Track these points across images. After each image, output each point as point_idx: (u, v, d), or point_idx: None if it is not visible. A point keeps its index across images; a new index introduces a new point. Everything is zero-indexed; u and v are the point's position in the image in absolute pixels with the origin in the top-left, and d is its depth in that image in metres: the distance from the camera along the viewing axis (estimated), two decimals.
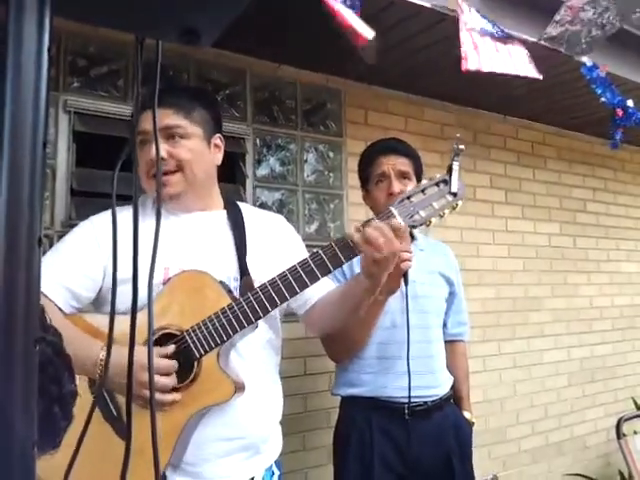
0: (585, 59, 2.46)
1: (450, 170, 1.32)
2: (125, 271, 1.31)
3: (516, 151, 3.37)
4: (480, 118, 3.20)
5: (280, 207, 2.45)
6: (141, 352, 1.19)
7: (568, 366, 3.49)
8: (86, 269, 1.31)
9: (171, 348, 1.25)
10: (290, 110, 2.51)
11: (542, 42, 2.27)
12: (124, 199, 1.50)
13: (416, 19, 2.07)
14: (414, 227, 1.35)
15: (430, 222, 1.32)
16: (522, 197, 3.37)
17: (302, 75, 2.54)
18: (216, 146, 1.49)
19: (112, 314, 0.67)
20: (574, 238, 3.62)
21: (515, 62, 2.14)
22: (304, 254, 1.52)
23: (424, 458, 1.80)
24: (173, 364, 1.23)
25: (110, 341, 0.66)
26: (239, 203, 1.56)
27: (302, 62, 2.49)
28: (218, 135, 1.50)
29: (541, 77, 2.17)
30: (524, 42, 2.27)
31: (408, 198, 1.30)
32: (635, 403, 3.58)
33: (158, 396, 1.20)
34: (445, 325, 2.01)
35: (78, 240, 1.36)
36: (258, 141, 2.42)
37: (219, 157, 1.51)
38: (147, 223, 1.38)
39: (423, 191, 1.31)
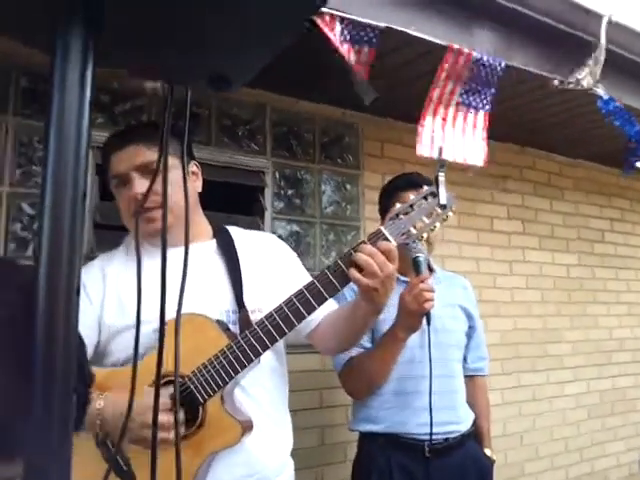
0: (601, 92, 2.48)
1: (437, 182, 1.29)
2: (126, 318, 1.31)
3: (533, 182, 3.38)
4: (496, 149, 3.21)
5: (298, 239, 2.48)
6: (148, 397, 1.15)
7: (588, 398, 3.43)
8: (81, 324, 1.29)
9: (169, 391, 1.18)
10: (308, 144, 2.56)
11: (557, 79, 2.30)
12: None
13: (429, 56, 2.11)
14: (406, 244, 1.33)
15: (422, 237, 1.30)
16: (539, 228, 3.37)
17: (320, 109, 2.59)
18: (194, 173, 1.46)
19: (135, 358, 0.67)
20: (592, 269, 3.60)
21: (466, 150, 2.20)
22: (301, 272, 1.51)
23: None
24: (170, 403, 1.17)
25: (133, 387, 0.65)
26: (228, 227, 1.50)
27: (319, 97, 2.54)
28: (194, 162, 1.47)
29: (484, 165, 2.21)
30: (539, 77, 2.30)
31: (397, 215, 1.29)
32: None
33: (164, 434, 1.13)
34: (465, 360, 1.99)
35: None
36: (277, 174, 2.46)
37: (199, 185, 1.47)
38: (146, 264, 1.37)
39: (412, 206, 1.29)
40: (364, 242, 1.26)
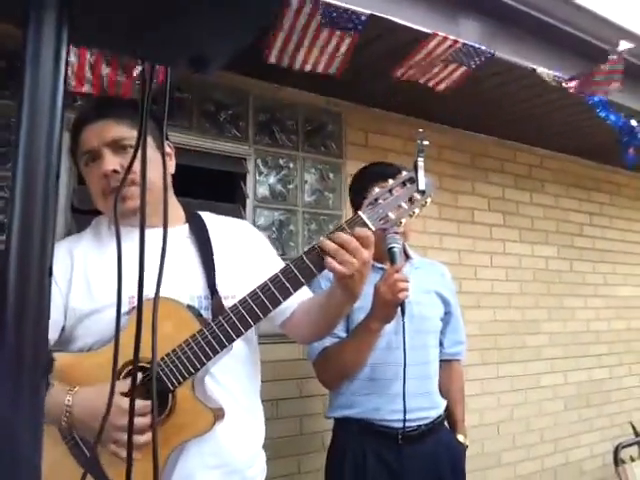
0: None
1: (416, 167, 1.25)
2: (94, 302, 1.27)
3: (514, 174, 3.40)
4: (478, 141, 3.22)
5: (280, 227, 2.46)
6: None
7: (564, 390, 3.48)
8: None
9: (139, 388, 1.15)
10: (291, 131, 2.54)
11: (538, 70, 2.30)
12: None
13: (415, 45, 2.10)
14: (385, 230, 1.31)
15: (401, 223, 1.27)
16: (520, 220, 3.39)
17: (303, 97, 2.56)
18: (167, 154, 1.38)
19: (115, 354, 0.64)
20: (571, 262, 3.64)
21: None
22: (274, 259, 1.47)
23: None
24: (148, 404, 1.11)
25: (114, 379, 0.63)
26: (201, 213, 1.45)
27: (303, 84, 2.51)
28: (167, 142, 1.41)
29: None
30: (524, 69, 2.31)
31: (376, 200, 1.26)
32: (634, 428, 3.56)
33: (134, 438, 1.10)
34: (442, 344, 2.00)
35: None
36: (259, 161, 2.44)
37: (172, 165, 1.42)
38: (107, 248, 1.33)
39: (390, 191, 1.26)
40: (342, 227, 1.22)
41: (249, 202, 2.38)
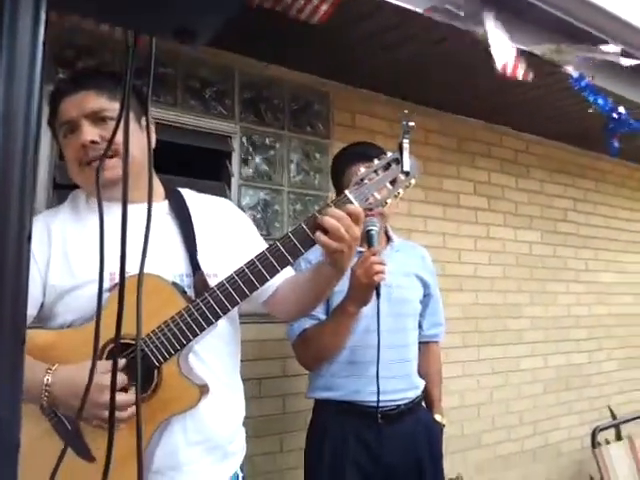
0: (571, 70, 2.49)
1: (401, 148, 1.27)
2: (74, 278, 1.25)
3: (499, 159, 3.40)
4: (465, 125, 3.22)
5: (265, 207, 2.44)
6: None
7: (544, 373, 3.53)
8: None
9: (122, 362, 1.16)
10: (278, 109, 2.51)
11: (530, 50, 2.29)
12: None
13: (404, 25, 2.08)
14: (370, 209, 1.31)
15: (386, 203, 1.29)
16: (504, 205, 3.40)
17: (290, 75, 2.53)
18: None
19: (97, 329, 0.63)
20: (554, 247, 3.66)
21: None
22: (256, 239, 1.47)
23: (397, 462, 1.81)
24: (125, 379, 1.15)
25: (95, 356, 0.61)
26: (181, 190, 1.43)
27: (290, 62, 2.48)
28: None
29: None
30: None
31: (362, 180, 1.27)
32: (611, 412, 3.62)
33: (117, 414, 1.11)
34: (420, 326, 2.01)
35: None
36: (245, 140, 2.41)
37: (153, 140, 1.37)
38: (86, 222, 1.30)
39: (376, 172, 1.28)
40: (329, 205, 1.23)
41: (234, 181, 2.36)
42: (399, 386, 1.84)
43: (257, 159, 2.45)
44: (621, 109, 2.63)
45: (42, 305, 1.24)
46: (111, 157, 1.24)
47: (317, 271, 1.35)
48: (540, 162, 3.62)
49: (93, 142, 1.22)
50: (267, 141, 2.48)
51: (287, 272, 1.37)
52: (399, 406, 1.84)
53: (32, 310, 1.20)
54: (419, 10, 1.96)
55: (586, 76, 2.42)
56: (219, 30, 0.67)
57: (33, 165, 0.51)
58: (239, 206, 2.29)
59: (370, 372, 1.77)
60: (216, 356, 1.33)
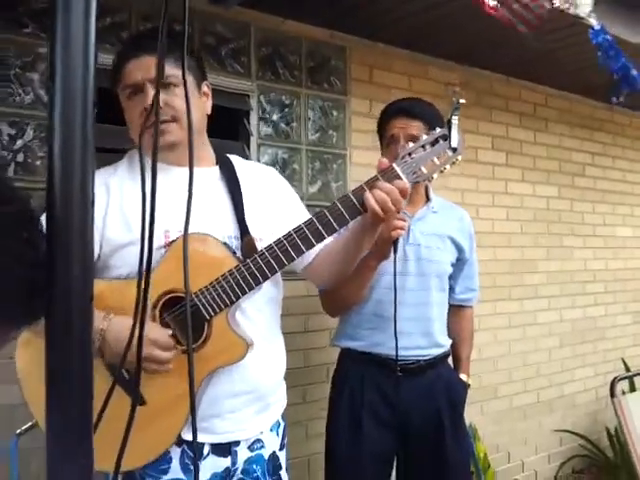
0: (593, 21, 2.43)
1: (450, 125, 1.31)
2: (130, 233, 1.30)
3: (518, 113, 3.36)
4: (484, 79, 3.17)
5: (283, 166, 2.44)
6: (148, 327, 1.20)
7: (560, 327, 3.56)
8: None
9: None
10: (294, 66, 2.48)
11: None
12: (116, 152, 1.45)
13: None
14: (417, 182, 1.36)
15: (432, 178, 1.33)
16: (523, 160, 3.37)
17: (307, 30, 2.50)
18: (205, 94, 1.42)
19: (144, 284, 0.64)
20: (572, 202, 3.65)
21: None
22: (300, 207, 1.54)
23: (413, 413, 1.87)
24: (172, 342, 1.23)
25: (137, 313, 0.63)
26: (230, 156, 1.49)
27: (307, 17, 2.44)
28: (205, 82, 1.43)
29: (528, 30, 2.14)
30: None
31: (409, 154, 1.30)
32: (625, 364, 3.67)
33: (157, 367, 1.21)
34: (453, 290, 2.03)
35: None
36: (262, 98, 2.39)
37: (209, 105, 1.44)
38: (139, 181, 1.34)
39: (424, 147, 1.31)
40: (377, 178, 1.28)
41: (253, 140, 2.36)
42: (419, 343, 1.87)
43: (275, 117, 2.44)
44: (634, 72, 2.57)
45: (98, 257, 1.29)
46: (171, 122, 1.29)
47: (351, 237, 1.41)
48: (559, 116, 3.57)
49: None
50: (284, 99, 2.46)
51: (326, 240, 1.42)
52: (419, 361, 1.88)
53: None
54: None
55: (606, 30, 2.36)
56: None
57: (92, 132, 0.53)
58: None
59: (392, 327, 1.81)
60: (261, 313, 1.40)
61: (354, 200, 1.28)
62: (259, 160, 2.35)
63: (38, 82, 1.89)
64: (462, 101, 1.30)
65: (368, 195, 1.25)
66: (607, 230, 3.87)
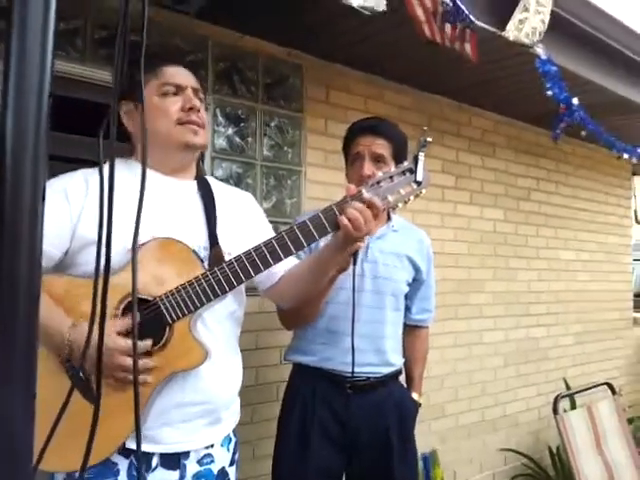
0: (540, 51, 2.54)
1: (416, 160, 1.40)
2: (95, 231, 1.29)
3: (467, 138, 3.46)
4: (435, 103, 3.26)
5: (238, 181, 2.43)
6: (110, 332, 1.19)
7: (505, 346, 3.65)
8: (55, 226, 1.26)
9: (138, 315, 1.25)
10: (251, 82, 2.49)
11: (500, 33, 2.33)
12: (91, 164, 1.46)
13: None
14: (384, 209, 1.42)
15: (397, 206, 1.40)
16: (471, 183, 3.47)
17: (265, 47, 2.51)
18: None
19: (95, 291, 0.64)
20: (517, 225, 3.77)
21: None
22: (270, 231, 1.59)
23: (363, 431, 1.86)
24: (149, 344, 1.25)
25: (93, 319, 0.62)
26: (207, 177, 1.56)
27: (266, 34, 2.46)
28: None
29: (474, 59, 2.23)
30: (483, 31, 2.32)
31: (378, 183, 1.38)
32: (566, 384, 3.79)
33: (126, 373, 1.21)
34: (409, 310, 2.04)
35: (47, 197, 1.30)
36: (218, 111, 2.38)
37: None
38: (123, 184, 1.35)
39: (391, 178, 1.39)
40: (346, 200, 1.34)
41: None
42: (371, 360, 1.87)
43: (230, 131, 2.43)
44: (575, 100, 2.71)
45: (66, 252, 1.30)
46: (201, 128, 1.41)
47: (320, 258, 1.46)
48: (507, 142, 3.70)
49: (197, 110, 1.41)
50: (240, 113, 2.46)
51: (291, 260, 1.47)
52: (369, 378, 1.88)
53: (58, 252, 1.29)
54: None
55: (552, 61, 2.47)
56: None
57: (46, 123, 0.51)
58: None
59: (345, 343, 1.82)
60: (221, 325, 1.40)
61: (323, 219, 1.33)
62: (213, 173, 2.33)
63: None
64: (429, 139, 1.39)
65: (345, 212, 1.31)
66: (550, 253, 4.01)
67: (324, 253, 1.44)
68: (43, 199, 0.51)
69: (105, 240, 0.59)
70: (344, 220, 1.31)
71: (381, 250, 1.90)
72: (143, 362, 1.23)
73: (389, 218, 1.99)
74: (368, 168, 1.80)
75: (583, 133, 2.87)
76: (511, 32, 2.31)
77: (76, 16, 2.00)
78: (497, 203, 3.64)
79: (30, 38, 0.51)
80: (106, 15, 2.04)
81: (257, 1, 2.11)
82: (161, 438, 1.30)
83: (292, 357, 1.97)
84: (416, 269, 2.00)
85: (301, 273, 1.50)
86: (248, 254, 1.31)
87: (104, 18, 2.05)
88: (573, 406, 3.32)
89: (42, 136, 0.51)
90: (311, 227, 1.33)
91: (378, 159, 1.83)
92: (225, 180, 2.39)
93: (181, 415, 1.32)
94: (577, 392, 2.95)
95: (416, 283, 2.03)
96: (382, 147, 1.83)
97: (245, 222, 1.52)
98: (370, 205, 1.32)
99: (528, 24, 2.39)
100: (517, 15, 2.32)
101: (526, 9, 2.33)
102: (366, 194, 1.34)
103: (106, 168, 0.60)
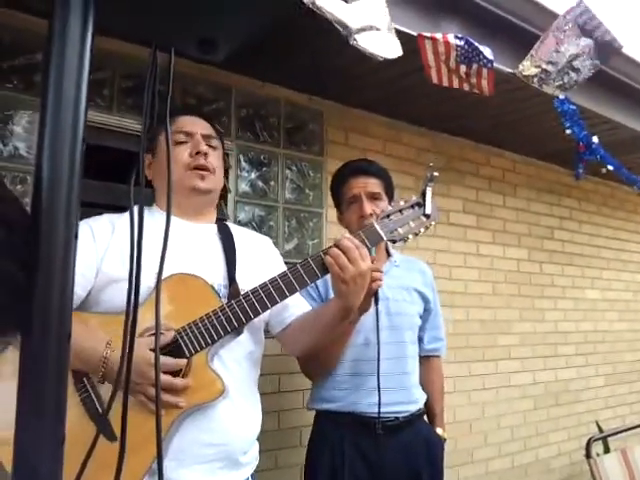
0: (557, 92, 2.56)
1: (424, 194, 1.46)
2: (125, 270, 1.33)
3: (487, 178, 3.47)
4: (454, 144, 3.29)
5: (260, 223, 2.46)
6: (143, 348, 1.20)
7: (534, 389, 3.56)
8: (81, 266, 1.29)
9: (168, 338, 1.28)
10: (273, 128, 2.55)
11: (517, 74, 2.36)
12: (116, 210, 1.51)
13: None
14: (394, 242, 1.48)
15: (407, 239, 1.45)
16: (493, 222, 3.46)
17: (286, 94, 2.58)
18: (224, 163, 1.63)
19: (128, 308, 0.66)
20: (541, 264, 3.73)
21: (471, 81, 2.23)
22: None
23: (394, 473, 1.82)
24: (181, 362, 1.27)
25: (126, 336, 0.64)
26: (227, 222, 1.61)
27: (286, 81, 2.53)
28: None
29: (490, 93, 2.25)
30: (500, 73, 2.36)
31: (388, 216, 1.42)
32: (599, 427, 3.66)
33: (165, 396, 1.23)
34: (421, 340, 2.04)
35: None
36: (241, 157, 2.44)
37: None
38: (148, 228, 1.40)
39: (401, 211, 1.45)
40: (357, 233, 1.41)
41: (230, 197, 2.38)
42: (398, 399, 1.85)
43: (253, 176, 2.48)
44: (595, 139, 2.72)
45: (91, 289, 1.33)
46: (211, 173, 1.48)
47: (327, 304, 1.49)
48: (527, 181, 3.70)
49: (205, 154, 1.46)
50: (262, 158, 2.51)
51: (304, 307, 1.54)
52: (397, 418, 1.85)
53: (82, 292, 1.31)
54: (413, 33, 2.03)
55: (571, 100, 2.49)
56: (240, 42, 0.70)
57: (80, 167, 0.54)
58: (235, 221, 2.31)
59: (370, 384, 1.80)
60: (239, 365, 1.41)
61: (322, 257, 1.37)
62: (236, 217, 2.37)
63: (17, 135, 1.90)
64: (436, 174, 1.45)
65: (328, 252, 1.37)
66: (576, 292, 3.94)
67: (332, 298, 1.46)
68: (76, 237, 0.53)
69: (135, 273, 0.60)
70: (328, 259, 1.35)
71: (389, 286, 1.90)
72: (170, 382, 1.24)
73: (389, 254, 2.00)
74: (368, 207, 1.83)
75: (604, 171, 2.86)
76: (526, 71, 2.34)
77: (104, 67, 2.09)
78: (521, 242, 3.61)
79: (66, 88, 0.53)
80: (131, 63, 2.12)
81: (277, 52, 2.18)
82: (177, 478, 1.27)
83: (316, 405, 1.94)
84: (425, 300, 2.02)
85: (310, 319, 1.52)
86: (264, 286, 1.35)
87: (130, 69, 2.13)
88: (607, 450, 3.20)
89: (75, 180, 0.53)
90: (312, 264, 1.37)
91: (375, 197, 1.87)
92: (248, 223, 2.43)
93: (197, 456, 1.30)
94: (611, 434, 2.85)
95: (426, 313, 2.04)
96: (376, 186, 1.88)
97: (263, 264, 1.54)
98: (357, 246, 1.35)
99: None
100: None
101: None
102: (377, 225, 1.40)
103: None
